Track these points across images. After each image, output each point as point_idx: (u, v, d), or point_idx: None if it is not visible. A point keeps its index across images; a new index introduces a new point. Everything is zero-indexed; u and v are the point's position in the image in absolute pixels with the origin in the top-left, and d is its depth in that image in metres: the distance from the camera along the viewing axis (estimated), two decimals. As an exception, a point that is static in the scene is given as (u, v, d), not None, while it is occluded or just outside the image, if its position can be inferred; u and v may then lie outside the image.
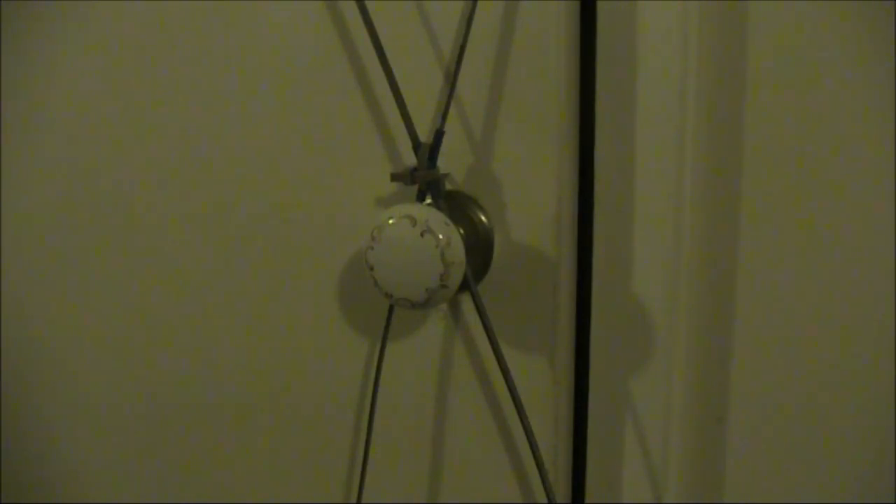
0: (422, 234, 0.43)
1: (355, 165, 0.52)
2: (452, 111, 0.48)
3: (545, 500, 0.46)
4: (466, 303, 0.51)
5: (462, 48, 0.45)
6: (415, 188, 0.47)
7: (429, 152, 0.46)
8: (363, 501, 0.55)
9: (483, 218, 0.49)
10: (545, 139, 0.47)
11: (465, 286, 0.46)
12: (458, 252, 0.44)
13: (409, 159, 0.49)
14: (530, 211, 0.48)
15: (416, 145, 0.46)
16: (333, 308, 0.55)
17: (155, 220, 0.60)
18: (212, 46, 0.55)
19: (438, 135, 0.46)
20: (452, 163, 0.49)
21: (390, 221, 0.44)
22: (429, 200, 0.47)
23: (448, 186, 0.50)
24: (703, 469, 0.51)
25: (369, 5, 0.46)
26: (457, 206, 0.49)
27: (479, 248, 0.49)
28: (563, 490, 0.51)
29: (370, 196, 0.52)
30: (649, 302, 0.50)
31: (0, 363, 0.69)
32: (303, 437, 0.59)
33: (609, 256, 0.49)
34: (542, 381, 0.50)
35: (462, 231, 0.47)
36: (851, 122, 0.44)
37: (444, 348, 0.53)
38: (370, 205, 0.52)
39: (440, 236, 0.43)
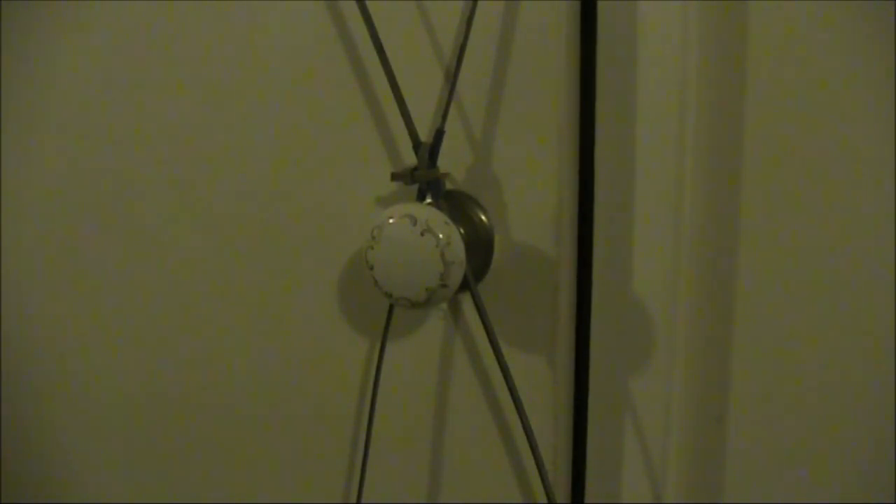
0: (422, 234, 0.43)
1: (355, 165, 0.52)
2: (452, 111, 0.48)
3: (545, 500, 0.46)
4: (466, 303, 0.51)
5: (462, 48, 0.45)
6: (415, 188, 0.47)
7: (429, 152, 0.46)
8: (363, 501, 0.55)
9: (483, 218, 0.49)
10: (545, 139, 0.47)
11: (465, 286, 0.46)
12: (458, 251, 0.44)
13: (410, 159, 0.49)
14: (530, 211, 0.48)
15: (417, 145, 0.46)
16: (333, 308, 0.55)
17: (155, 219, 0.60)
18: (212, 46, 0.55)
19: (438, 134, 0.46)
20: (452, 163, 0.49)
21: (390, 221, 0.44)
22: (429, 200, 0.47)
23: (448, 186, 0.50)
24: (703, 469, 0.51)
25: (369, 5, 0.46)
26: (457, 205, 0.49)
27: (479, 248, 0.49)
28: (563, 490, 0.51)
29: (370, 196, 0.52)
30: (649, 302, 0.50)
31: (0, 363, 0.69)
32: (303, 436, 0.59)
33: (609, 256, 0.49)
34: (542, 381, 0.50)
35: (462, 231, 0.47)
36: (851, 122, 0.44)
37: (444, 348, 0.53)
38: (370, 204, 0.52)
39: (440, 236, 0.43)
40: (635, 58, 0.47)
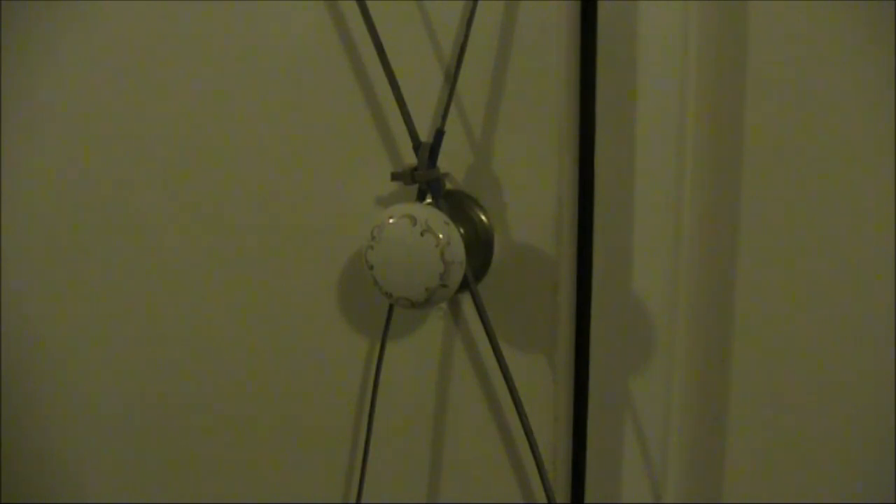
0: (422, 234, 0.43)
1: (355, 165, 0.52)
2: (452, 111, 0.48)
3: (545, 500, 0.46)
4: (466, 303, 0.51)
5: (462, 48, 0.45)
6: (415, 188, 0.47)
7: (429, 152, 0.46)
8: (363, 501, 0.55)
9: (483, 218, 0.49)
10: (545, 139, 0.47)
11: (465, 286, 0.46)
12: (457, 251, 0.44)
13: (410, 159, 0.49)
14: (530, 211, 0.48)
15: (417, 145, 0.46)
16: (333, 308, 0.55)
17: (155, 219, 0.60)
18: (212, 46, 0.55)
19: (438, 134, 0.46)
20: (452, 163, 0.49)
21: (390, 221, 0.44)
22: (429, 200, 0.47)
23: (448, 186, 0.50)
24: (703, 469, 0.51)
25: (369, 5, 0.46)
26: (457, 205, 0.49)
27: (479, 248, 0.49)
28: (563, 490, 0.51)
29: (370, 196, 0.52)
30: (649, 302, 0.50)
31: (0, 363, 0.69)
32: (303, 436, 0.59)
33: (609, 256, 0.49)
34: (542, 381, 0.50)
35: (462, 231, 0.47)
36: (851, 122, 0.44)
37: (444, 348, 0.53)
38: (370, 205, 0.52)
39: (440, 236, 0.43)
40: (635, 58, 0.47)
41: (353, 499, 0.57)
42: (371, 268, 0.45)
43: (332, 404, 0.57)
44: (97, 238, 0.63)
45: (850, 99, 0.44)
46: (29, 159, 0.64)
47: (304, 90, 0.53)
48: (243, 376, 0.60)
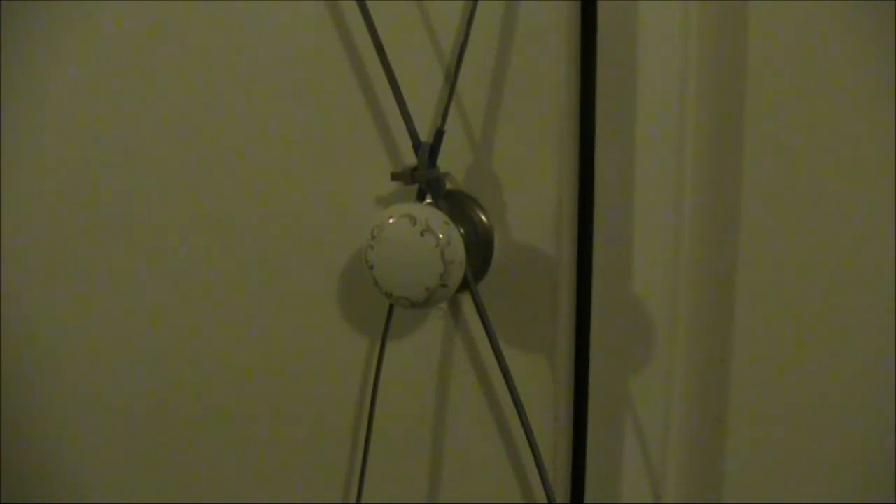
0: (422, 234, 0.43)
1: (355, 165, 0.52)
2: (452, 111, 0.48)
3: (545, 500, 0.46)
4: (466, 303, 0.51)
5: (462, 48, 0.45)
6: (415, 187, 0.47)
7: (429, 151, 0.46)
8: (363, 501, 0.55)
9: (483, 217, 0.49)
10: (545, 139, 0.47)
11: (465, 286, 0.46)
12: (457, 251, 0.44)
13: (410, 159, 0.49)
14: (530, 211, 0.48)
15: (417, 145, 0.46)
16: (333, 308, 0.55)
17: (155, 220, 0.60)
18: (212, 46, 0.55)
19: (438, 134, 0.46)
20: (452, 162, 0.49)
21: (390, 220, 0.44)
22: (429, 200, 0.47)
23: (448, 186, 0.50)
24: (703, 468, 0.51)
25: (369, 5, 0.46)
26: (457, 205, 0.49)
27: (479, 248, 0.49)
28: (563, 490, 0.51)
29: (370, 196, 0.52)
30: (649, 302, 0.50)
31: (0, 363, 0.69)
32: (303, 437, 0.59)
33: (609, 256, 0.49)
34: (542, 381, 0.50)
35: (462, 230, 0.47)
36: (851, 122, 0.44)
37: (444, 348, 0.53)
38: (370, 204, 0.52)
39: (440, 235, 0.43)
40: (635, 58, 0.47)
41: (353, 499, 0.57)
42: (371, 268, 0.45)
43: (332, 404, 0.57)
44: (97, 237, 0.63)
45: (850, 99, 0.44)
46: (30, 159, 0.64)
47: (304, 90, 0.53)
48: (243, 376, 0.60)
